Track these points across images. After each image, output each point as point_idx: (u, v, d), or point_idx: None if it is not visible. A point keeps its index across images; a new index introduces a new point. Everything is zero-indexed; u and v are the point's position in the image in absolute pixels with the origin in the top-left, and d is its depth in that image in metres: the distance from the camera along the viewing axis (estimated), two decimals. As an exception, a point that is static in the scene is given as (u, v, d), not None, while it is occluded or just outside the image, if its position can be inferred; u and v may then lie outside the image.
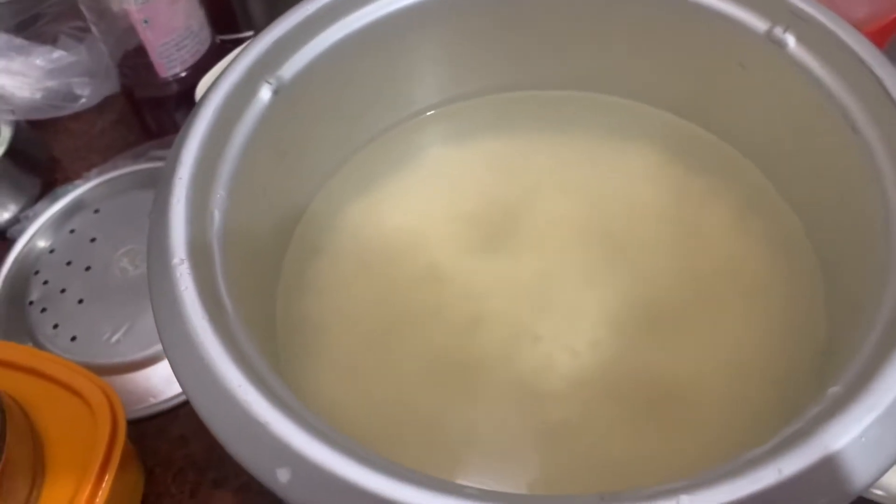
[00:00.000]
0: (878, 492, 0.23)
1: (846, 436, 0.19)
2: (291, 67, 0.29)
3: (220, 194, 0.25)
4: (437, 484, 0.19)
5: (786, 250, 0.30)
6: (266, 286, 0.30)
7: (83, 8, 0.43)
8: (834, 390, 0.20)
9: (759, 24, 0.28)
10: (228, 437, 0.20)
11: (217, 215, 0.25)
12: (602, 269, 0.31)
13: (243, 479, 0.38)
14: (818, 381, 0.26)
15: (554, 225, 0.33)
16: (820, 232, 0.29)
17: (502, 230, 0.33)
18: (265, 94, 0.28)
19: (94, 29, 0.44)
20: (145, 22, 0.42)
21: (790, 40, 0.27)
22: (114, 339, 0.40)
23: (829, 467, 0.18)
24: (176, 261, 0.22)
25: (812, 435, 0.19)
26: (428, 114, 0.36)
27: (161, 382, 0.40)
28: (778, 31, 0.28)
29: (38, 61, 0.48)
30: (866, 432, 0.19)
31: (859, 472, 0.19)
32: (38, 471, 0.32)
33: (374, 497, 0.18)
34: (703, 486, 0.18)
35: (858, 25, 0.32)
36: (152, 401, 0.39)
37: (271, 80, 0.28)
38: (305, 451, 0.19)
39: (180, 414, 0.40)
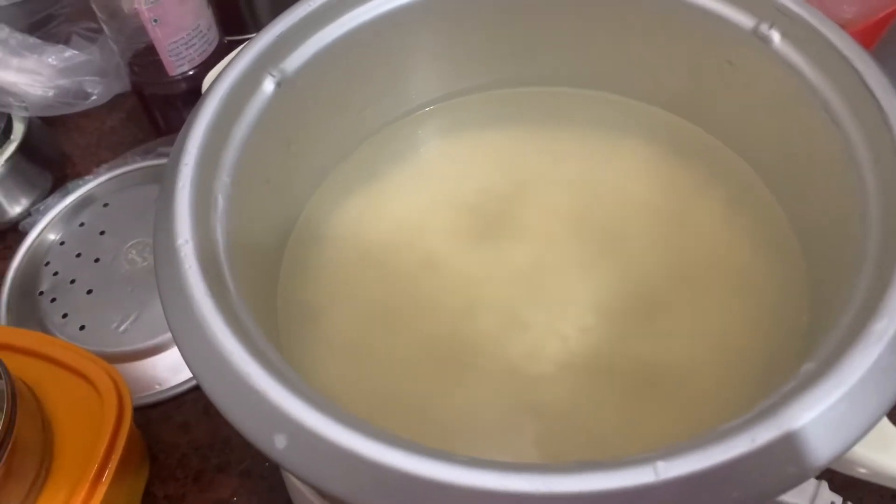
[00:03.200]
0: (862, 469, 0.23)
1: (815, 409, 0.19)
2: (294, 61, 0.29)
3: (224, 181, 0.26)
4: (429, 451, 0.20)
5: (771, 241, 0.31)
6: (268, 270, 0.31)
7: (95, 7, 0.45)
8: (808, 367, 0.21)
9: (746, 21, 0.29)
10: (228, 406, 0.21)
11: (221, 200, 0.26)
12: (593, 259, 0.32)
13: (245, 464, 0.39)
14: (800, 364, 0.27)
15: (548, 217, 0.34)
16: (803, 223, 0.30)
17: (498, 221, 0.34)
18: (268, 86, 0.29)
19: (105, 28, 0.46)
20: (155, 21, 0.43)
21: (775, 37, 0.28)
22: (121, 328, 0.42)
23: (798, 438, 0.19)
24: (181, 241, 0.23)
25: (785, 407, 0.20)
26: (428, 108, 0.37)
27: (166, 370, 0.41)
28: (763, 27, 0.29)
29: (51, 60, 0.49)
30: (834, 407, 0.20)
31: (827, 444, 0.19)
32: (46, 452, 0.33)
33: (368, 462, 0.19)
34: (679, 453, 0.19)
35: (846, 25, 0.33)
36: (158, 388, 0.41)
37: (274, 73, 0.29)
38: (301, 418, 0.20)
39: (185, 401, 0.41)
